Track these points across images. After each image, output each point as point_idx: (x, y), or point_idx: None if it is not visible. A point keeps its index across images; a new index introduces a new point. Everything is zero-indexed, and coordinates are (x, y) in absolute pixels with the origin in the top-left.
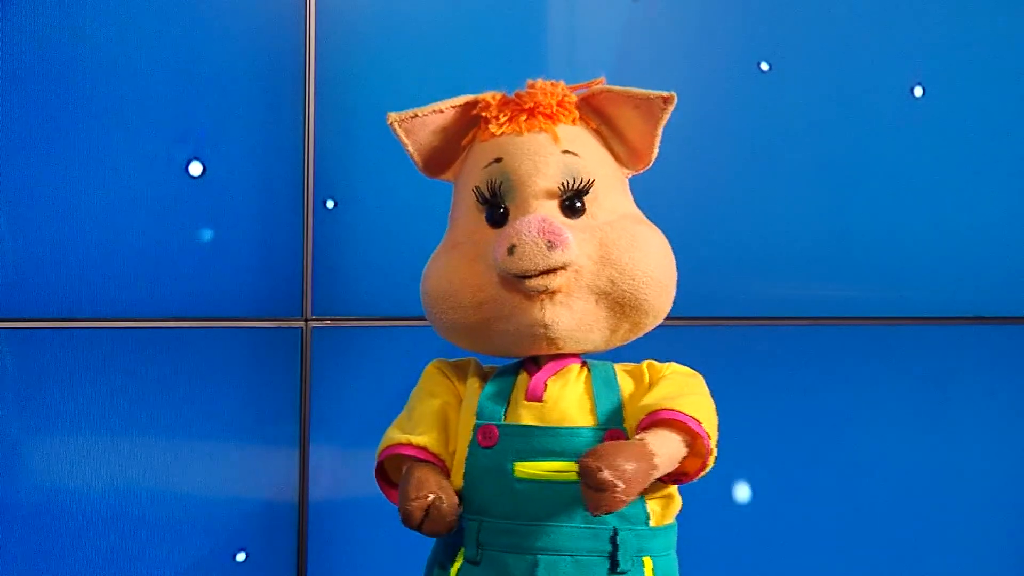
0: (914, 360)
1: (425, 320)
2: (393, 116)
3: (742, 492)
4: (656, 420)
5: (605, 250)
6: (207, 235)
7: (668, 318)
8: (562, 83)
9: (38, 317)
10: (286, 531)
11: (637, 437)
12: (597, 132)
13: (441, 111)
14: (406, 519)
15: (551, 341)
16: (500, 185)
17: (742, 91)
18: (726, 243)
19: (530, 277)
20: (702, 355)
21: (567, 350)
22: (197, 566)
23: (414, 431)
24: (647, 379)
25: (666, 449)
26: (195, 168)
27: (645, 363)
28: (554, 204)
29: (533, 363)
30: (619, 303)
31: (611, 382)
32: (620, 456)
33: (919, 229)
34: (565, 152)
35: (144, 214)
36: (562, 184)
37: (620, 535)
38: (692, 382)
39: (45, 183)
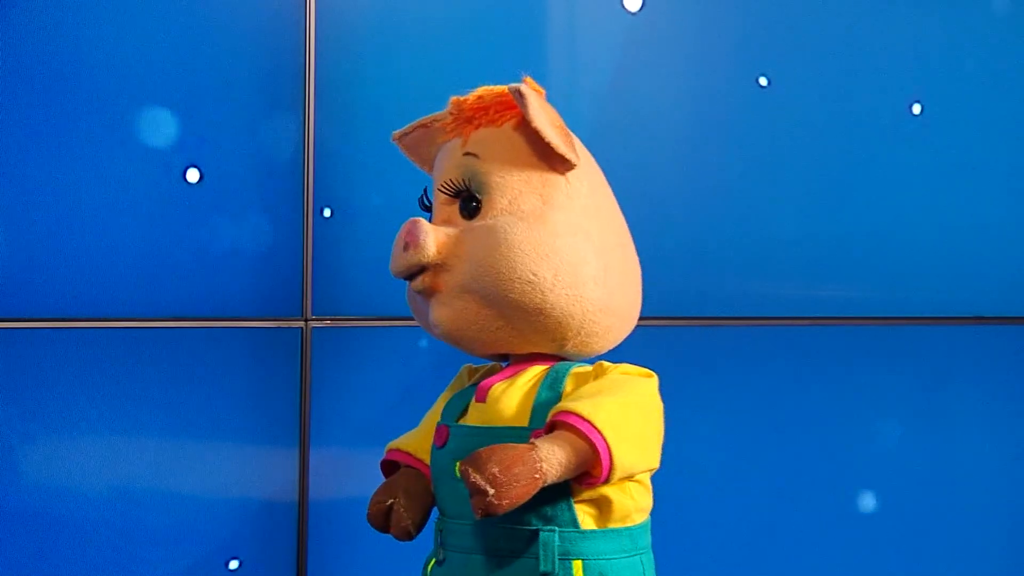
0: (914, 360)
1: None
2: (395, 134)
3: (742, 492)
4: (553, 422)
5: (471, 248)
6: (208, 236)
7: (668, 318)
8: (507, 86)
9: (38, 317)
10: (286, 531)
11: (530, 441)
12: (519, 132)
13: (424, 124)
14: (370, 522)
15: (452, 340)
16: (429, 191)
17: (741, 104)
18: (727, 244)
19: (408, 279)
20: (702, 355)
21: (475, 351)
22: (193, 569)
23: (412, 436)
24: (591, 379)
25: (555, 454)
26: (192, 174)
27: (599, 363)
28: (455, 206)
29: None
30: (488, 300)
31: (557, 384)
32: (492, 460)
33: (919, 230)
34: (466, 154)
35: (145, 214)
36: (455, 188)
37: (541, 536)
38: (626, 383)
39: (45, 184)
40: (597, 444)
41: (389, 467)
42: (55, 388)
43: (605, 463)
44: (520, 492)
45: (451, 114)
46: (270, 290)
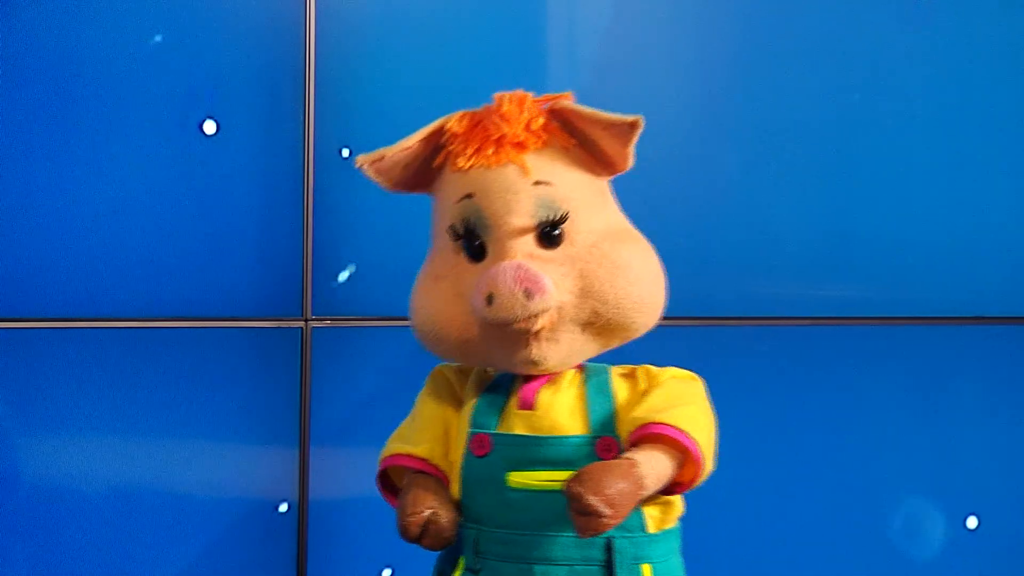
0: (914, 360)
1: None
2: (362, 159)
3: (740, 493)
4: (646, 435)
5: (586, 283)
6: (207, 237)
7: (666, 318)
8: (529, 97)
9: (38, 317)
10: (285, 531)
11: (626, 456)
12: (568, 148)
13: (409, 147)
14: (404, 534)
15: (544, 370)
16: (474, 223)
17: (742, 85)
18: (726, 243)
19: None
20: (702, 355)
21: (562, 370)
22: (192, 569)
23: (415, 441)
24: (642, 385)
25: (655, 467)
26: (207, 129)
27: (642, 368)
28: (530, 238)
29: None
30: (607, 329)
31: (605, 388)
32: (605, 480)
33: (919, 229)
34: (537, 183)
35: (143, 214)
36: (536, 218)
37: (616, 544)
38: (688, 389)
39: (45, 183)
40: (697, 457)
41: (395, 468)
42: (55, 388)
43: (700, 475)
44: (628, 511)
45: (477, 137)
46: (270, 290)
